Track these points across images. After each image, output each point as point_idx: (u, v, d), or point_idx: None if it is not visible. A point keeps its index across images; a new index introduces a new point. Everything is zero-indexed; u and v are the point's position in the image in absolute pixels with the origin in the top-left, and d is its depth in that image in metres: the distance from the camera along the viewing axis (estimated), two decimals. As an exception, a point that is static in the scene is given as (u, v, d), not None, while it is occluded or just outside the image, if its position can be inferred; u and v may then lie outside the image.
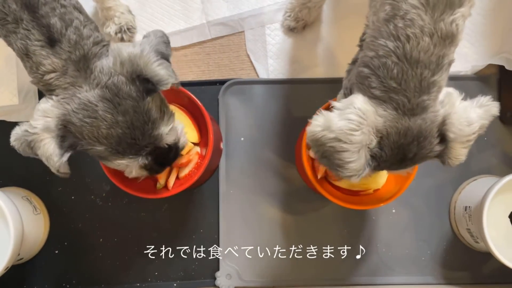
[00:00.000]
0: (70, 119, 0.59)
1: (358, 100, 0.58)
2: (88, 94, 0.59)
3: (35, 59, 0.59)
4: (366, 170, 0.59)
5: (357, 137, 0.57)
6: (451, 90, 0.60)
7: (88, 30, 0.61)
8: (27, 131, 0.59)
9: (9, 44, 0.61)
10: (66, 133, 0.60)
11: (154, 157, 0.65)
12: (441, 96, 0.59)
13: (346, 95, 0.64)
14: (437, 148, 0.60)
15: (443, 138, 0.60)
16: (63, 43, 0.59)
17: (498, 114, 0.62)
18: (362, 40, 0.65)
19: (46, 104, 0.60)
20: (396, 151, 0.59)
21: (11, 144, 0.61)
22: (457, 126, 0.58)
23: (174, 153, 0.69)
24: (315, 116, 0.61)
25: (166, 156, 0.67)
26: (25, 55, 0.60)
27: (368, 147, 0.58)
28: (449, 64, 0.57)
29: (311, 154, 0.86)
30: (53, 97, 0.60)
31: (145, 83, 0.61)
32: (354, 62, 0.66)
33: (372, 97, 0.58)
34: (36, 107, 0.60)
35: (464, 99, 0.60)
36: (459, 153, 0.60)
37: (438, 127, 0.59)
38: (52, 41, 0.59)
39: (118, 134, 0.60)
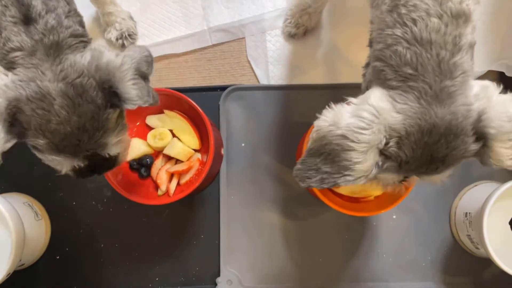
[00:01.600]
0: (22, 106, 0.56)
1: (374, 96, 0.53)
2: (50, 85, 0.56)
3: (4, 34, 0.56)
4: (374, 172, 0.54)
5: (366, 137, 0.52)
6: (487, 83, 0.54)
7: (70, 21, 0.58)
8: None
9: None
10: (14, 120, 0.57)
11: (89, 162, 0.63)
12: (475, 88, 0.53)
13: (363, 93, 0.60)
14: (474, 147, 0.53)
15: (480, 136, 0.53)
16: (39, 24, 0.56)
17: None
18: (371, 38, 0.61)
19: (2, 79, 0.56)
20: (420, 151, 0.52)
21: None
22: (496, 121, 0.52)
23: (110, 164, 0.66)
24: (324, 111, 0.56)
25: (101, 164, 0.64)
26: None
27: (378, 147, 0.53)
28: (470, 46, 0.53)
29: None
30: (10, 74, 0.57)
31: (112, 96, 0.59)
32: (367, 64, 0.63)
33: (390, 88, 0.53)
34: None
35: (504, 92, 0.54)
36: (501, 153, 0.53)
37: (473, 124, 0.52)
38: (27, 20, 0.56)
39: (66, 132, 0.57)
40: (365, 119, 0.52)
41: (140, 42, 1.01)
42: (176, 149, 0.85)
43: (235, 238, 0.94)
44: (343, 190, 0.86)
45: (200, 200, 0.96)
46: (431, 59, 0.51)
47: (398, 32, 0.53)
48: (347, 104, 0.56)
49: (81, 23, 0.61)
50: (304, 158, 0.57)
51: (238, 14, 1.01)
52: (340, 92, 0.96)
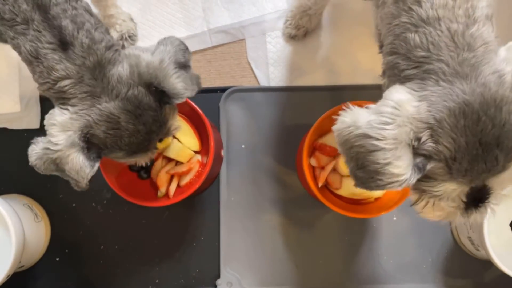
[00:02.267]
0: (93, 131, 0.59)
1: (391, 91, 0.49)
2: (109, 105, 0.58)
3: (47, 64, 0.57)
4: (414, 176, 0.47)
5: (390, 132, 0.45)
6: (511, 43, 0.50)
7: (100, 34, 0.60)
8: (48, 148, 0.57)
9: (16, 47, 0.59)
10: (89, 144, 0.59)
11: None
12: (502, 54, 0.48)
13: None
14: None
15: None
16: (76, 47, 0.57)
17: None
18: (380, 37, 0.59)
19: (63, 117, 0.58)
20: (463, 139, 0.45)
21: (31, 164, 0.59)
22: None
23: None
24: (342, 112, 0.52)
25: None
26: (34, 58, 0.57)
27: (413, 145, 0.46)
28: (487, 17, 0.48)
29: (313, 162, 0.86)
30: (69, 108, 0.58)
31: (162, 95, 0.61)
32: (384, 73, 0.59)
33: (406, 79, 0.49)
34: (49, 120, 0.58)
35: None
36: None
37: None
38: (64, 45, 0.57)
39: (138, 141, 0.61)
40: (385, 114, 0.47)
41: (140, 43, 1.01)
42: (176, 150, 0.85)
43: (235, 239, 0.94)
44: (344, 191, 0.85)
45: (200, 202, 0.96)
46: (441, 35, 0.47)
47: (404, 18, 0.50)
48: (365, 107, 0.51)
49: (107, 31, 0.63)
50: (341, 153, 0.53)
51: (238, 15, 1.01)
52: (340, 94, 0.97)
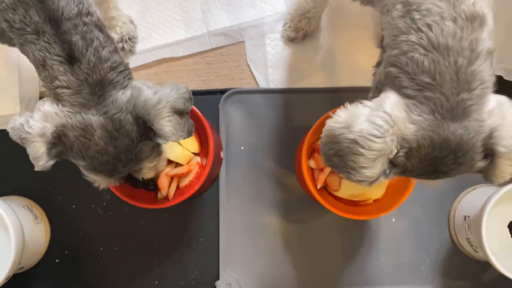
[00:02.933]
0: (66, 132, 0.62)
1: (390, 102, 0.52)
2: (92, 118, 0.61)
3: (52, 73, 0.60)
4: (381, 179, 0.54)
5: (378, 145, 0.51)
6: (503, 99, 0.54)
7: (107, 53, 0.62)
8: (23, 126, 0.61)
9: (24, 52, 0.62)
10: (58, 142, 0.62)
11: (126, 177, 0.70)
12: (491, 104, 0.52)
13: (374, 94, 0.59)
14: (480, 164, 0.53)
15: (488, 153, 0.53)
16: (82, 63, 0.60)
17: None
18: (382, 43, 0.60)
19: (50, 108, 0.61)
20: (427, 163, 0.52)
21: (8, 128, 0.63)
22: (507, 140, 0.51)
23: (143, 183, 0.78)
24: (338, 110, 0.55)
25: (136, 181, 0.74)
26: (41, 65, 0.60)
27: (388, 157, 0.53)
28: (488, 52, 0.51)
29: (312, 164, 0.87)
30: (59, 104, 0.61)
31: (148, 130, 0.63)
32: (377, 64, 0.62)
33: (405, 96, 0.52)
34: (38, 105, 0.62)
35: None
36: (505, 171, 0.53)
37: (484, 140, 0.52)
38: (72, 59, 0.60)
39: (103, 159, 0.63)
40: (379, 128, 0.51)
41: (140, 45, 1.02)
42: (176, 152, 0.85)
43: (234, 241, 0.94)
44: (343, 193, 0.86)
45: (200, 204, 0.96)
46: (449, 67, 0.49)
47: (413, 38, 0.51)
48: (363, 106, 0.54)
49: (116, 50, 0.64)
50: (320, 142, 0.58)
51: (237, 18, 1.02)
52: (339, 96, 0.98)
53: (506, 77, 0.95)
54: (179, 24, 1.03)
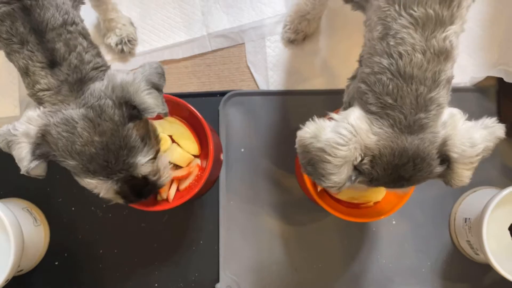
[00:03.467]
0: (49, 130, 0.61)
1: (354, 115, 0.58)
2: (73, 111, 0.61)
3: (33, 78, 0.61)
4: (347, 184, 0.59)
5: (342, 152, 0.57)
6: (455, 111, 0.59)
7: (90, 56, 0.63)
8: (9, 131, 0.62)
9: (11, 60, 0.64)
10: (42, 142, 0.62)
11: (130, 185, 0.66)
12: (444, 116, 0.58)
13: (345, 109, 0.64)
14: (438, 169, 0.59)
15: (444, 159, 0.58)
16: (63, 66, 0.61)
17: (504, 136, 0.60)
18: (361, 56, 0.65)
19: (33, 113, 0.62)
20: (390, 171, 0.58)
21: None
22: (459, 146, 0.57)
23: (150, 188, 0.70)
24: (307, 123, 0.61)
25: (142, 188, 0.68)
26: (24, 73, 0.62)
27: (353, 163, 0.58)
28: (448, 80, 0.57)
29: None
30: (41, 107, 0.62)
31: (131, 109, 0.62)
32: (353, 77, 0.67)
33: (369, 112, 0.58)
34: (24, 113, 0.63)
35: (469, 119, 0.59)
36: (462, 174, 0.59)
37: (438, 148, 0.58)
38: (53, 64, 0.61)
39: (91, 152, 0.61)
40: (343, 136, 0.57)
41: (139, 47, 1.02)
42: (176, 155, 0.85)
43: (234, 243, 0.94)
44: (343, 196, 0.86)
45: (200, 206, 0.96)
46: (410, 93, 0.55)
47: (385, 62, 0.56)
48: (329, 119, 0.60)
49: (99, 54, 0.66)
50: (297, 151, 0.63)
51: (237, 20, 1.02)
52: (339, 98, 0.97)
53: (506, 79, 0.95)
54: (179, 26, 1.03)
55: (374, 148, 0.57)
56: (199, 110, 0.83)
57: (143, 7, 1.03)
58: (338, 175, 0.58)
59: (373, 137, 0.57)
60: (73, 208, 0.96)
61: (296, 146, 0.62)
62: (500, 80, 0.98)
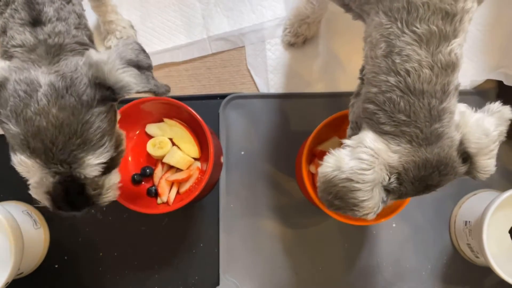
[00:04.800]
0: (6, 84, 0.54)
1: (369, 138, 0.58)
2: (41, 75, 0.55)
3: (9, 34, 0.56)
4: (381, 206, 0.59)
5: (369, 176, 0.57)
6: (463, 108, 0.59)
7: (78, 32, 0.59)
8: None
9: None
10: None
11: (65, 187, 0.57)
12: (456, 119, 0.58)
13: (353, 129, 0.64)
14: (462, 168, 0.59)
15: (466, 157, 0.59)
16: (46, 26, 0.56)
17: None
18: (362, 73, 0.65)
19: None
20: (418, 183, 0.59)
21: None
22: (474, 140, 0.58)
23: (85, 200, 0.61)
24: (325, 157, 0.60)
25: (77, 197, 0.59)
26: (2, 32, 0.57)
27: (382, 184, 0.58)
28: (456, 88, 0.58)
29: (312, 169, 0.87)
30: (7, 62, 0.56)
31: (104, 91, 0.56)
32: (356, 95, 0.66)
33: (383, 132, 0.58)
34: None
35: (476, 111, 0.61)
36: (486, 164, 0.59)
37: (458, 149, 0.59)
38: (36, 22, 0.56)
39: (40, 125, 0.53)
40: (365, 161, 0.57)
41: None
42: (176, 157, 0.85)
43: (234, 246, 0.94)
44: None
45: (200, 209, 0.96)
46: (423, 107, 0.56)
47: (392, 80, 0.56)
48: (343, 147, 0.60)
49: (90, 37, 0.62)
50: (318, 192, 0.62)
51: (238, 23, 1.02)
52: (339, 101, 0.98)
53: (506, 83, 0.95)
54: (179, 29, 1.03)
55: (397, 166, 0.58)
56: (199, 113, 0.83)
57: (143, 10, 1.03)
58: (372, 200, 0.57)
59: (394, 156, 0.57)
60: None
61: (318, 184, 0.61)
62: (500, 83, 0.98)
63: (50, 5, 0.57)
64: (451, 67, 0.56)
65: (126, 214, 0.95)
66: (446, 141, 0.57)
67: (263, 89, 1.01)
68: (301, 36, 0.99)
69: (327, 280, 0.94)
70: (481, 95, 0.98)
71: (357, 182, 0.57)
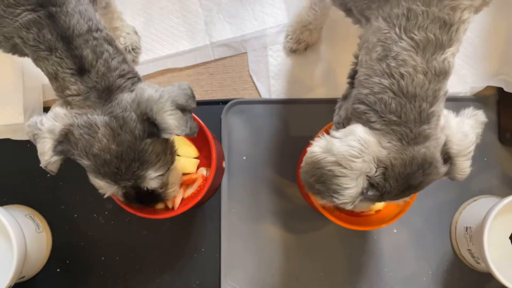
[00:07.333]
0: (72, 130, 0.64)
1: (359, 130, 0.59)
2: (97, 117, 0.64)
3: (63, 83, 0.64)
4: (360, 198, 0.60)
5: (358, 164, 0.58)
6: (445, 112, 0.62)
7: (116, 63, 0.65)
8: (36, 124, 0.65)
9: (38, 66, 0.66)
10: (64, 139, 0.65)
11: (136, 192, 0.70)
12: (442, 122, 0.61)
13: (338, 130, 0.64)
14: (443, 169, 0.62)
15: (447, 158, 0.62)
16: (91, 73, 0.63)
17: (487, 119, 0.65)
18: (351, 77, 0.67)
19: (61, 110, 0.65)
20: (402, 181, 0.60)
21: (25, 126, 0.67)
22: (456, 142, 0.61)
23: (154, 197, 0.73)
24: (316, 138, 0.62)
25: (147, 196, 0.72)
26: (54, 78, 0.64)
27: (367, 176, 0.59)
28: (444, 94, 0.60)
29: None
30: (69, 107, 0.65)
31: (152, 127, 0.65)
32: (344, 98, 0.68)
33: (373, 129, 0.59)
34: (53, 106, 0.66)
35: (456, 115, 0.64)
36: (465, 165, 0.62)
37: (441, 151, 0.61)
38: (82, 71, 0.63)
39: (105, 158, 0.64)
40: (355, 148, 0.58)
41: (143, 56, 1.03)
42: (181, 164, 0.85)
43: (236, 251, 0.94)
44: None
45: (201, 213, 0.96)
46: (414, 109, 0.58)
47: (386, 82, 0.58)
48: (331, 137, 0.61)
49: (124, 60, 0.67)
50: (301, 172, 0.63)
51: (240, 29, 1.03)
52: (340, 107, 0.98)
53: (506, 89, 0.96)
54: (182, 35, 1.04)
55: (385, 160, 0.59)
56: (202, 118, 0.84)
57: (147, 16, 1.04)
58: (354, 188, 0.58)
59: (383, 150, 0.59)
60: (75, 215, 0.96)
61: (303, 164, 0.62)
62: (500, 89, 0.98)
63: (86, 45, 0.63)
64: (443, 74, 0.58)
65: (127, 218, 0.95)
66: (432, 142, 0.60)
67: (265, 94, 1.01)
68: (303, 43, 0.99)
69: (328, 285, 0.94)
70: (481, 102, 0.99)
71: (345, 168, 0.57)
